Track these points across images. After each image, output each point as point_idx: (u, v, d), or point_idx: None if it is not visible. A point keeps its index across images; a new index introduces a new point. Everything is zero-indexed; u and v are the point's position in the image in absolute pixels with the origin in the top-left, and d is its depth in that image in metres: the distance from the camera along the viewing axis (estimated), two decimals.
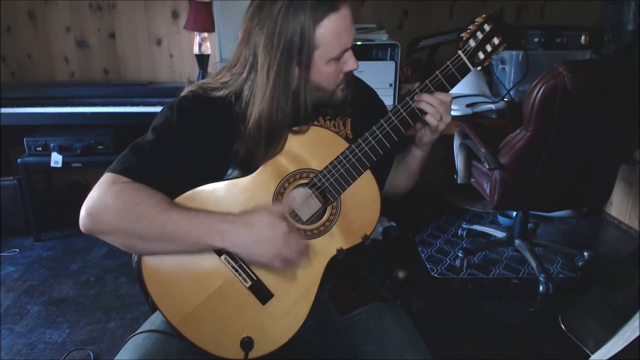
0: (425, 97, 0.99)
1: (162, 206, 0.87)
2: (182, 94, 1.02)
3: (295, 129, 0.98)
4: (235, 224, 0.88)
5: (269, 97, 0.93)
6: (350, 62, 0.97)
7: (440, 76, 1.01)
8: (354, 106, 1.07)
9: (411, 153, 1.13)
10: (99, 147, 2.60)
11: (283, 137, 0.96)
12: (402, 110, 1.00)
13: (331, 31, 0.91)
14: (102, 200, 0.87)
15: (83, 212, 0.88)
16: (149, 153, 0.93)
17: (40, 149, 2.59)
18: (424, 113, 1.01)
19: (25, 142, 2.59)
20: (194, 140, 0.96)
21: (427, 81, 1.01)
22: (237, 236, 0.87)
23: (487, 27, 1.01)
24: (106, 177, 0.90)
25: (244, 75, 0.97)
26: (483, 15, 1.02)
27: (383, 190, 1.20)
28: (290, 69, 0.92)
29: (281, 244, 0.87)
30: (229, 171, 1.01)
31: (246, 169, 0.97)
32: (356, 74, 1.18)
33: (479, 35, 1.01)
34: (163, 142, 0.95)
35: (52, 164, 2.57)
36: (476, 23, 1.02)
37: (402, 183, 1.20)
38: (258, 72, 0.94)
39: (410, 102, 1.00)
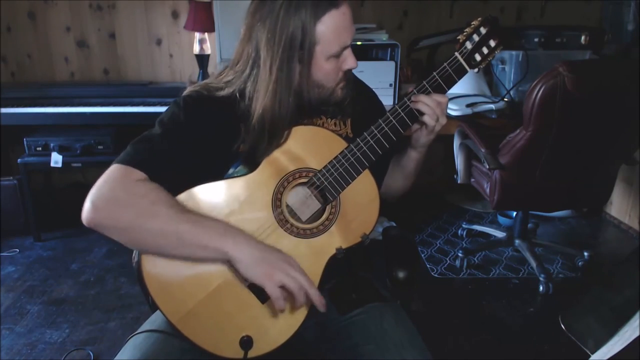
0: (422, 97, 1.00)
1: (179, 207, 0.88)
2: (186, 92, 1.03)
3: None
4: (248, 237, 0.90)
5: (271, 92, 0.94)
6: (349, 60, 0.98)
7: (437, 77, 1.02)
8: (354, 106, 1.07)
9: (407, 155, 1.13)
10: (99, 147, 2.60)
11: (285, 132, 0.97)
12: (400, 111, 1.01)
13: (331, 27, 0.92)
14: (114, 194, 0.87)
15: (89, 204, 0.86)
16: (159, 146, 0.94)
17: (40, 149, 2.59)
18: (422, 114, 1.01)
19: (25, 142, 2.59)
20: (200, 135, 0.97)
21: (424, 82, 1.02)
22: (248, 246, 0.88)
23: (483, 30, 1.02)
24: (116, 170, 0.90)
25: (247, 71, 0.98)
26: (479, 18, 1.03)
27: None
28: (292, 64, 0.94)
29: (282, 269, 0.87)
30: (231, 170, 1.01)
31: (251, 164, 0.98)
32: (356, 74, 1.19)
33: (475, 37, 1.02)
34: (171, 135, 0.96)
35: (52, 164, 2.57)
36: (472, 26, 1.03)
37: (397, 185, 1.20)
38: (261, 68, 0.95)
39: (408, 103, 1.01)
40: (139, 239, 0.88)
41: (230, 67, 1.02)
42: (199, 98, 1.01)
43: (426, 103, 1.00)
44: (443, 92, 1.02)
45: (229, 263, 0.90)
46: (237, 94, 0.99)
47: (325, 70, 0.97)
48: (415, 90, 1.02)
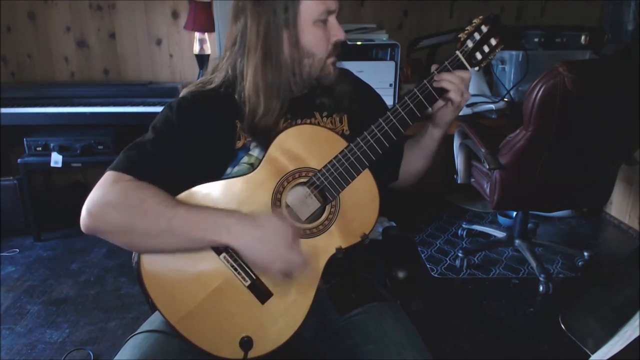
0: (445, 75, 1.00)
1: (168, 202, 0.89)
2: (181, 94, 1.04)
3: (285, 125, 0.99)
4: (243, 221, 0.88)
5: (260, 52, 0.96)
6: (336, 30, 0.99)
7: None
8: (349, 101, 1.08)
9: (429, 134, 1.12)
10: (99, 147, 2.60)
11: (280, 97, 0.98)
12: (400, 110, 1.00)
13: None
14: (105, 199, 0.88)
15: (84, 212, 0.88)
16: (151, 151, 0.94)
17: (40, 149, 2.59)
18: (446, 91, 1.01)
19: (25, 142, 2.60)
20: (195, 137, 0.98)
21: (425, 81, 1.01)
22: (243, 233, 0.87)
23: (484, 28, 1.02)
24: (108, 176, 0.91)
25: (236, 47, 1.00)
26: (480, 17, 1.03)
27: (398, 182, 1.21)
28: (279, 28, 0.96)
29: (283, 251, 0.88)
30: (229, 170, 1.01)
31: (261, 140, 1.00)
32: (356, 74, 1.19)
33: (477, 36, 1.02)
34: (164, 140, 0.96)
35: (52, 164, 2.57)
36: (473, 24, 1.02)
37: (418, 166, 1.19)
38: (248, 35, 0.97)
39: (402, 108, 0.99)
40: (136, 240, 0.89)
41: (222, 54, 1.04)
42: (193, 98, 1.02)
43: (450, 80, 1.00)
44: (444, 91, 1.02)
45: (228, 257, 0.92)
46: (230, 72, 1.01)
47: (313, 35, 0.97)
48: (415, 89, 1.01)
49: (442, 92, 1.01)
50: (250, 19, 0.96)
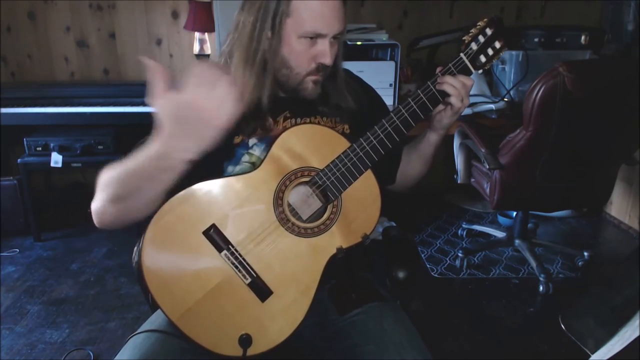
0: (448, 79, 1.00)
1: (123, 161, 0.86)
2: None
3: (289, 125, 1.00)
4: (156, 140, 0.84)
5: (243, 48, 0.99)
6: (323, 53, 0.98)
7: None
8: (354, 115, 1.09)
9: (426, 139, 1.13)
10: (99, 147, 2.60)
11: (257, 94, 0.99)
12: (403, 111, 1.00)
13: (306, 7, 0.94)
14: (104, 190, 0.88)
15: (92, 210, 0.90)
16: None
17: (40, 149, 2.59)
18: (447, 95, 1.01)
19: (25, 142, 2.59)
20: None
21: (429, 83, 1.01)
22: (170, 138, 0.84)
23: (489, 31, 1.02)
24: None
25: (231, 36, 1.02)
26: (485, 19, 1.03)
27: (395, 185, 1.22)
28: (264, 30, 0.96)
29: (199, 99, 0.86)
30: (230, 168, 1.02)
31: (245, 131, 1.03)
32: (356, 74, 1.19)
33: (481, 38, 1.02)
34: None
35: (52, 164, 2.57)
36: (478, 27, 1.02)
37: (415, 171, 1.20)
38: (239, 29, 1.00)
39: (405, 110, 1.00)
40: (121, 209, 0.88)
41: None
42: None
43: (452, 84, 1.00)
44: (445, 95, 1.02)
45: (229, 255, 0.92)
46: (228, 60, 1.03)
47: (293, 49, 0.97)
48: (419, 91, 1.01)
49: (444, 96, 1.02)
50: (245, 14, 0.98)
